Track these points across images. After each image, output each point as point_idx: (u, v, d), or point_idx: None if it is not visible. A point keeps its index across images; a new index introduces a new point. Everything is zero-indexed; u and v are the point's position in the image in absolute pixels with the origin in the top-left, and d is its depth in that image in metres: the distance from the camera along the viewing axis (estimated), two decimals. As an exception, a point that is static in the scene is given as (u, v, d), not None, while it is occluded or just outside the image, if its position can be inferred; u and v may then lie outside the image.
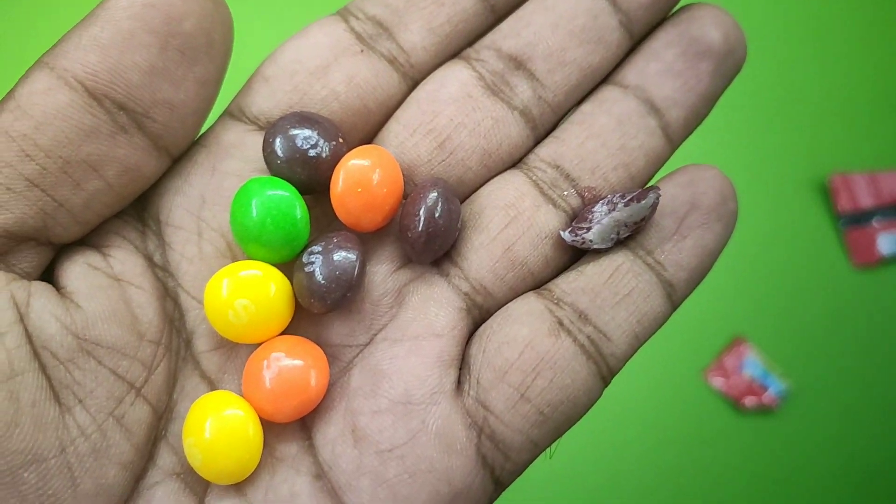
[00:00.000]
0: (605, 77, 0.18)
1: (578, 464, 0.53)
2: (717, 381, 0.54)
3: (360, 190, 0.16)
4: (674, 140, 0.18)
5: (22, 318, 0.14)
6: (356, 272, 0.16)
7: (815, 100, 0.62)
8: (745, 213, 0.69)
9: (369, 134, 0.18)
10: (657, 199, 0.16)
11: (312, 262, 0.16)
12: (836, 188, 0.59)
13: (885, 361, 0.56)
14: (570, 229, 0.17)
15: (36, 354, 0.14)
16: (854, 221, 0.59)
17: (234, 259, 0.17)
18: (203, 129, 0.18)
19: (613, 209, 0.16)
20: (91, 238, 0.16)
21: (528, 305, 0.16)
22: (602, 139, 0.17)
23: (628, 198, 0.16)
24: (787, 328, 0.56)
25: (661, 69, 0.18)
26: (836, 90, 0.62)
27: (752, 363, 0.55)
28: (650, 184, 0.18)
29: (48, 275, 0.16)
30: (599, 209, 0.16)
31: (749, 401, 0.54)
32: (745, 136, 0.61)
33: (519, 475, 0.16)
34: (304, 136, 0.16)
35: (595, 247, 0.16)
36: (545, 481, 0.52)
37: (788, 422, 0.54)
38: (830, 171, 0.60)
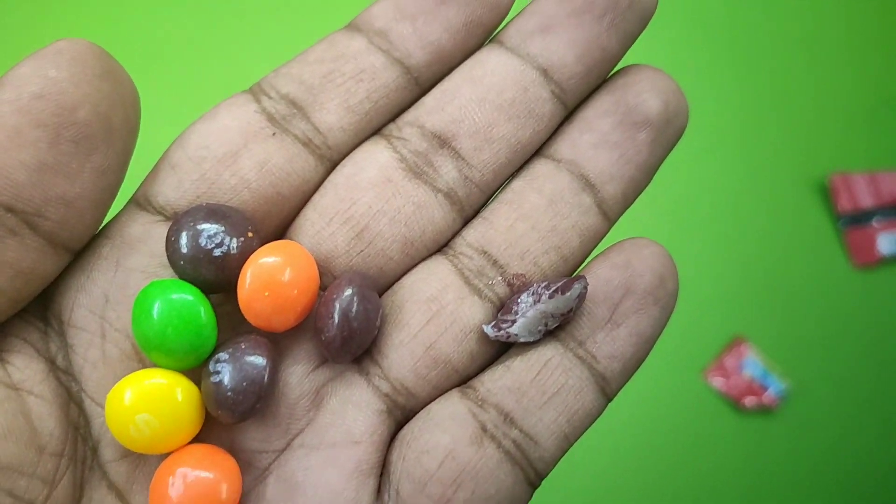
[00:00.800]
0: (538, 149, 0.17)
1: (578, 463, 0.53)
2: (717, 381, 0.55)
3: (266, 293, 0.15)
4: (610, 216, 0.17)
5: None
6: (265, 380, 0.15)
7: (814, 100, 0.62)
8: (744, 213, 0.69)
9: (284, 222, 0.17)
10: (584, 289, 0.15)
11: (219, 371, 0.15)
12: (836, 188, 0.59)
13: (886, 361, 0.56)
14: (493, 323, 0.16)
15: None
16: (854, 221, 0.59)
17: (141, 362, 0.16)
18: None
19: (538, 300, 0.15)
20: None
21: (451, 408, 0.15)
22: (532, 221, 0.16)
23: (553, 288, 0.15)
24: (787, 328, 0.56)
25: (596, 141, 0.17)
26: (835, 91, 0.62)
27: (751, 363, 0.55)
28: (587, 261, 0.17)
29: None
30: (525, 300, 0.15)
31: (749, 401, 0.54)
32: (744, 137, 0.61)
33: None
34: (209, 232, 0.15)
35: (522, 340, 0.15)
36: (544, 481, 0.53)
37: (788, 422, 0.54)
38: (830, 171, 0.59)
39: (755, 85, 0.62)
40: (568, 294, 0.15)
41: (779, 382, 0.54)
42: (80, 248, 0.16)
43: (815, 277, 0.58)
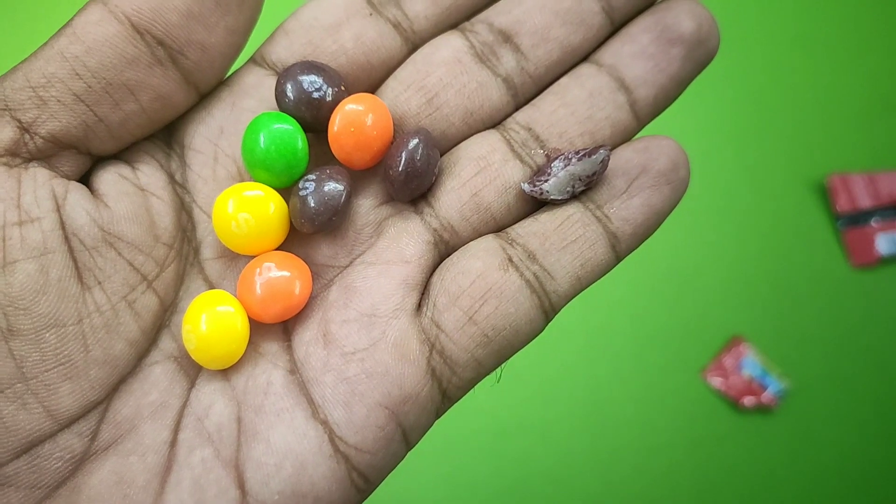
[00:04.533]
0: (585, 57, 0.20)
1: (577, 463, 0.54)
2: (716, 381, 0.55)
3: (353, 130, 0.18)
4: (640, 117, 0.20)
5: (58, 208, 0.17)
6: (342, 200, 0.18)
7: (813, 101, 0.62)
8: (743, 213, 0.69)
9: (370, 88, 0.20)
10: (607, 155, 0.18)
11: (307, 188, 0.18)
12: (835, 189, 0.59)
13: (883, 361, 0.56)
14: (529, 181, 0.19)
15: (66, 239, 0.17)
16: (852, 222, 0.59)
17: (243, 182, 0.19)
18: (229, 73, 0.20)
19: (568, 164, 0.18)
20: (124, 154, 0.19)
21: (485, 243, 0.19)
22: (572, 108, 0.19)
23: (581, 153, 0.18)
24: (786, 328, 0.57)
25: (635, 51, 0.20)
26: (834, 91, 0.62)
27: (750, 363, 0.55)
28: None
29: (83, 181, 0.19)
30: (557, 164, 0.19)
31: (748, 400, 0.54)
32: (744, 138, 0.61)
33: (465, 391, 0.18)
34: (310, 80, 0.19)
35: (552, 198, 0.19)
36: (544, 480, 0.53)
37: (787, 421, 0.55)
38: (829, 171, 0.60)
39: (754, 86, 0.61)
40: (594, 157, 0.18)
41: (777, 382, 0.55)
42: (206, 92, 0.19)
43: (813, 277, 0.58)
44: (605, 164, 0.18)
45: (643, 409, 0.55)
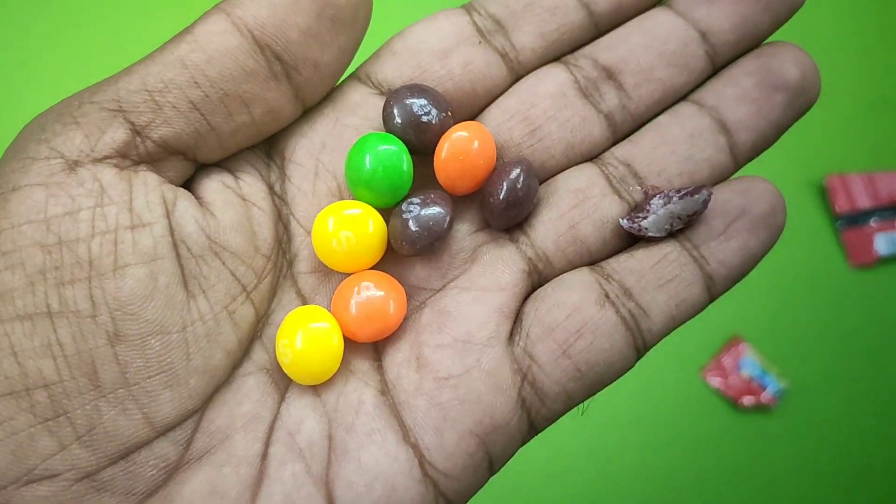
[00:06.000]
0: (685, 95, 0.21)
1: (577, 463, 0.54)
2: (715, 381, 0.55)
3: (461, 158, 0.18)
4: (739, 160, 0.20)
5: (168, 214, 0.17)
6: (445, 226, 0.18)
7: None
8: None
9: (473, 114, 0.20)
10: (709, 195, 0.18)
11: (410, 211, 0.18)
12: (834, 189, 0.59)
13: (882, 361, 0.56)
14: (628, 217, 0.19)
15: (175, 246, 0.17)
16: (851, 222, 0.59)
17: (342, 198, 0.19)
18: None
19: (669, 202, 0.18)
20: (226, 162, 0.19)
21: (581, 276, 0.19)
22: (672, 147, 0.20)
23: (683, 192, 0.18)
24: (785, 328, 0.57)
25: (738, 94, 0.20)
26: (833, 91, 0.62)
27: (749, 362, 0.55)
28: None
29: (185, 187, 0.19)
30: (656, 202, 0.19)
31: (747, 400, 0.54)
32: None
33: (552, 422, 0.18)
34: (419, 104, 0.19)
35: (649, 234, 0.19)
36: (544, 480, 0.53)
37: (786, 421, 0.55)
38: (827, 171, 0.60)
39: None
40: (696, 197, 0.18)
41: (776, 382, 0.55)
42: (311, 106, 0.19)
43: (812, 277, 0.57)
44: (705, 204, 0.18)
45: (642, 408, 0.54)
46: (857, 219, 0.59)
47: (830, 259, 0.59)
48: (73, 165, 0.17)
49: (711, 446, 0.54)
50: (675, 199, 0.18)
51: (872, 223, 0.59)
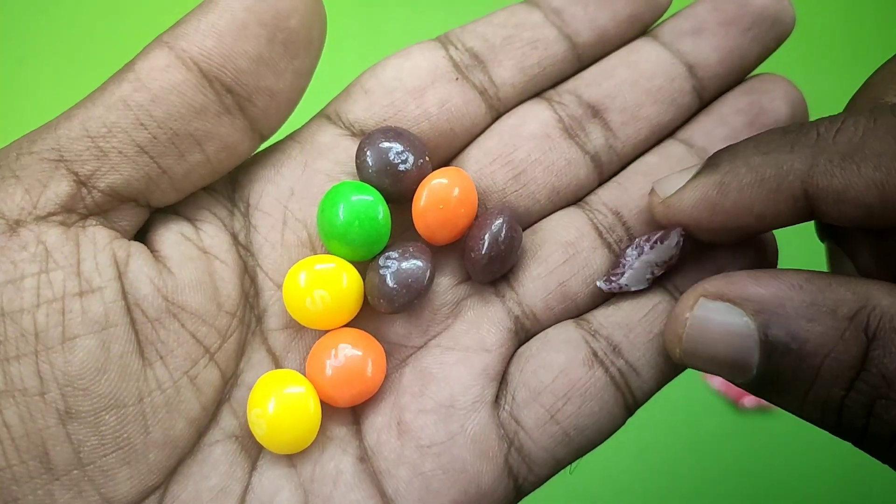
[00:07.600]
0: (672, 132, 0.20)
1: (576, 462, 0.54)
2: (716, 381, 0.55)
3: (441, 207, 0.17)
4: None
5: (120, 276, 0.16)
6: (426, 282, 0.17)
7: (812, 101, 0.62)
8: None
9: (451, 155, 0.19)
10: (680, 237, 0.17)
11: (388, 266, 0.17)
12: None
13: None
14: (604, 279, 0.18)
15: (129, 310, 0.16)
16: None
17: (313, 250, 0.18)
18: (297, 127, 0.19)
19: (642, 252, 0.18)
20: (186, 210, 0.18)
21: (566, 334, 0.18)
22: None
23: (653, 239, 0.17)
24: None
25: (728, 135, 0.19)
26: (832, 91, 0.63)
27: None
28: None
29: (141, 235, 0.17)
30: (630, 253, 0.18)
31: (748, 400, 0.54)
32: None
33: (539, 486, 0.18)
34: (395, 150, 0.17)
35: (633, 289, 0.18)
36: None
37: (787, 421, 0.54)
38: None
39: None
40: (667, 242, 0.17)
41: None
42: (268, 137, 0.18)
43: None
44: (679, 245, 0.17)
45: (642, 408, 0.55)
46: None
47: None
48: (15, 226, 0.15)
49: (712, 446, 0.54)
50: (646, 248, 0.18)
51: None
